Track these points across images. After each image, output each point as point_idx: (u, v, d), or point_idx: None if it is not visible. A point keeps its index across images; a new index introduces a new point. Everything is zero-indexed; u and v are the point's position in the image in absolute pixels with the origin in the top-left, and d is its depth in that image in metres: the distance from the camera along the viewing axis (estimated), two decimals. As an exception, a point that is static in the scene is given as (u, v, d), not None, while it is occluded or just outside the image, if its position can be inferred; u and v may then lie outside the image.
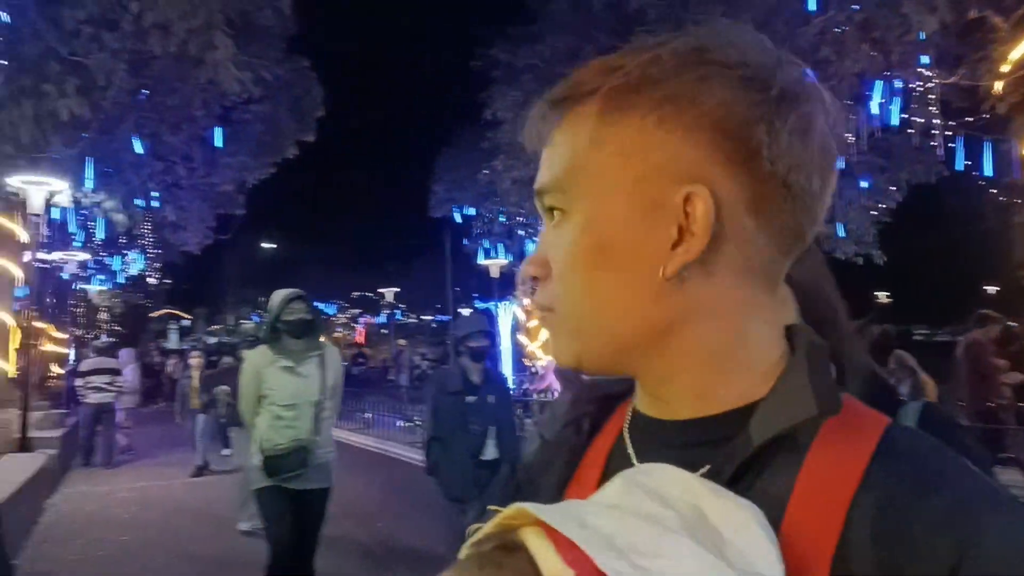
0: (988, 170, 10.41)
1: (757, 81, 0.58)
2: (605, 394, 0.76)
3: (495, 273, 19.46)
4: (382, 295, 36.13)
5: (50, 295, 18.36)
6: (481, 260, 20.08)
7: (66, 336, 22.48)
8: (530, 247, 18.25)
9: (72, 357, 20.36)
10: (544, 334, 21.07)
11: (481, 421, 4.88)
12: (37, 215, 10.58)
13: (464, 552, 0.56)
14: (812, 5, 9.96)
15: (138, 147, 11.02)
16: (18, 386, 11.81)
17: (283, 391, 4.61)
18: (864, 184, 13.88)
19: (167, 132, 11.48)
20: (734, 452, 0.59)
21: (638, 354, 0.62)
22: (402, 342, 37.39)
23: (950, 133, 10.75)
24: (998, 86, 8.69)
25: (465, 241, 21.71)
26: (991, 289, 27.49)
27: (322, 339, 4.96)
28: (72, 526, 8.53)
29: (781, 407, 0.58)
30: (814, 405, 0.57)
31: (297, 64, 13.69)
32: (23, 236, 11.82)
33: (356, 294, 48.81)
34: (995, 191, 12.04)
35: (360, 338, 53.31)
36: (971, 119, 10.17)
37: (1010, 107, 8.83)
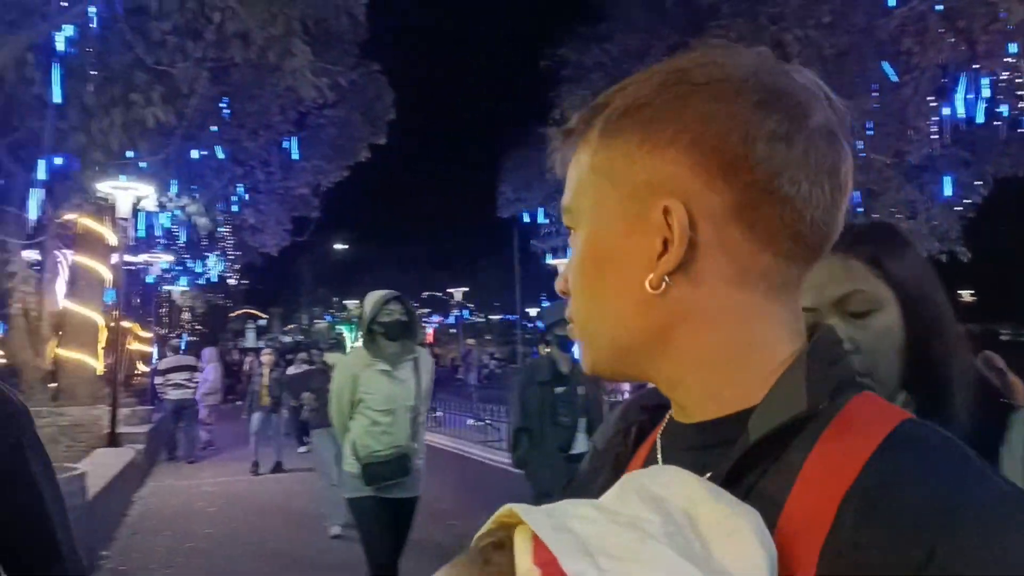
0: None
1: (731, 93, 0.60)
2: (657, 403, 0.77)
3: (563, 273, 19.43)
4: (451, 295, 36.46)
5: (136, 296, 19.13)
6: (549, 260, 20.08)
7: (151, 335, 23.39)
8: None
9: (155, 356, 21.18)
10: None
11: (571, 413, 4.69)
12: (125, 219, 11.03)
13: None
14: (892, -3, 9.64)
15: (219, 153, 11.40)
16: (106, 383, 12.35)
17: (380, 395, 4.47)
18: (948, 179, 13.37)
19: (246, 138, 11.84)
20: (731, 453, 0.61)
21: (642, 360, 0.66)
22: (471, 341, 37.71)
23: (1040, 125, 10.28)
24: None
25: (533, 241, 21.74)
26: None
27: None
28: (160, 519, 8.86)
29: (774, 406, 0.60)
30: (804, 402, 0.59)
31: (368, 68, 13.96)
32: (112, 239, 12.34)
33: (426, 294, 49.38)
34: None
35: (430, 338, 53.94)
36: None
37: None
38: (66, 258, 12.53)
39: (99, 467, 8.21)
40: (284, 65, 8.56)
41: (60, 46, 8.77)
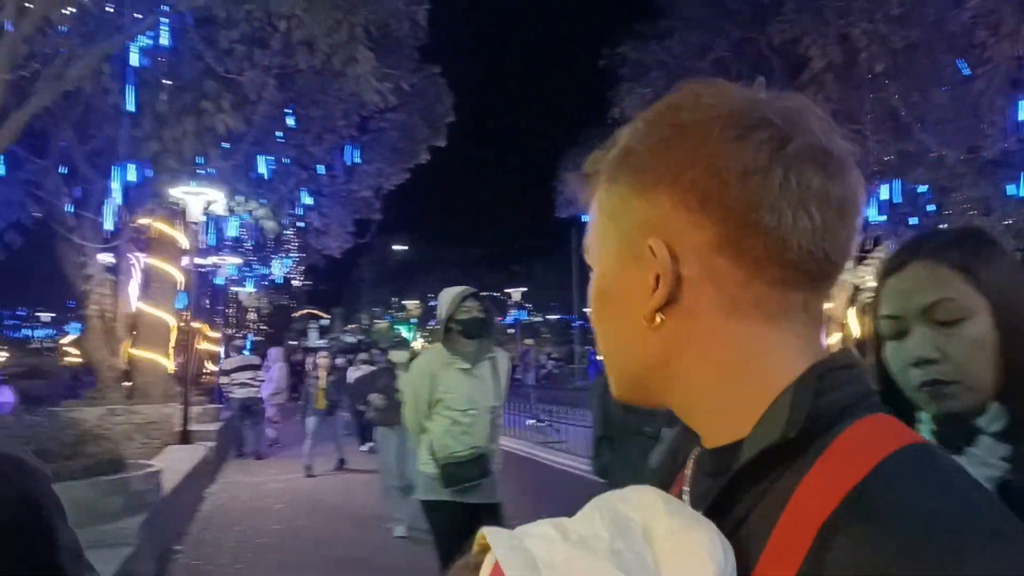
0: None
1: (705, 133, 0.63)
2: None
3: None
4: (509, 295, 36.56)
5: (205, 297, 19.70)
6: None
7: (219, 335, 24.06)
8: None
9: (222, 355, 21.79)
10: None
11: (654, 422, 4.37)
12: (196, 223, 11.38)
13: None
14: (966, -13, 9.34)
15: (285, 158, 11.67)
16: (178, 382, 12.75)
17: (461, 395, 4.30)
18: (1025, 175, 12.87)
19: (311, 143, 12.10)
20: (718, 483, 0.63)
21: (654, 389, 0.69)
22: (528, 341, 37.71)
23: None
24: None
25: (591, 241, 21.61)
26: None
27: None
28: (229, 515, 9.10)
29: (757, 435, 0.62)
30: (779, 431, 0.60)
31: (429, 71, 14.11)
32: (183, 243, 12.74)
33: (483, 294, 49.69)
34: None
35: (488, 337, 54.04)
36: None
37: None
38: (139, 261, 12.97)
39: (172, 464, 8.48)
40: (348, 71, 8.73)
41: (134, 57, 9.08)
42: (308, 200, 14.43)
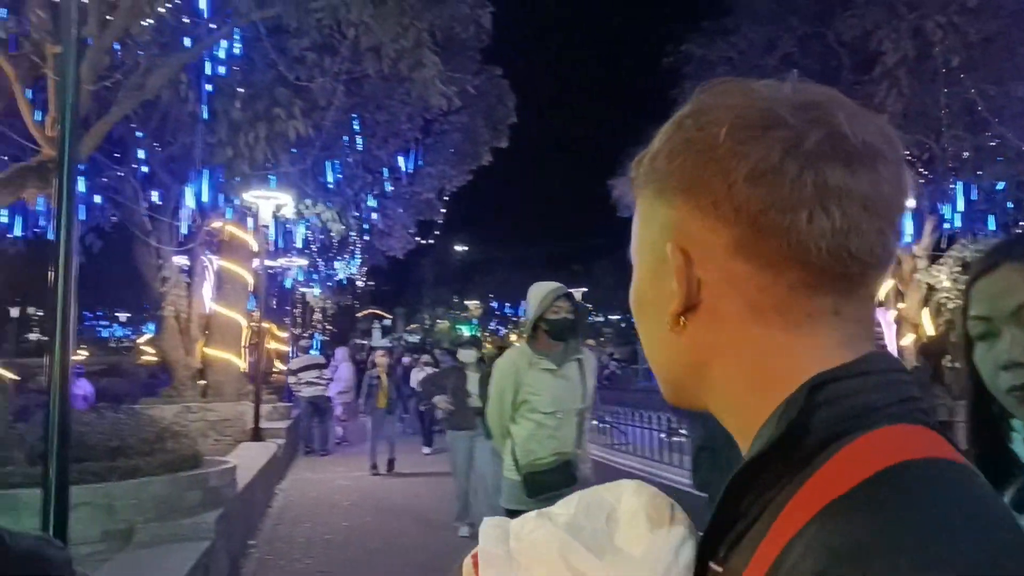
0: None
1: (715, 137, 0.62)
2: None
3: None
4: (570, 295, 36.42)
5: (273, 297, 20.18)
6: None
7: (287, 335, 24.61)
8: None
9: (291, 355, 22.29)
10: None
11: None
12: (266, 226, 11.69)
13: None
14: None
15: (352, 162, 11.91)
16: (249, 381, 13.10)
17: (546, 396, 4.09)
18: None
19: (376, 147, 12.31)
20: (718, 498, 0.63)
21: (692, 394, 0.68)
22: (590, 342, 37.52)
23: None
24: None
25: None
26: None
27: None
28: (299, 511, 9.32)
29: (752, 448, 0.61)
30: (758, 448, 0.59)
31: (491, 73, 14.20)
32: (254, 245, 13.09)
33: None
34: None
35: (548, 337, 53.95)
36: None
37: None
38: (213, 263, 13.38)
39: (245, 460, 8.71)
40: (414, 75, 8.85)
41: (209, 66, 9.37)
42: (373, 202, 14.67)
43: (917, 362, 11.56)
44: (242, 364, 13.78)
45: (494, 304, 57.82)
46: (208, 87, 9.78)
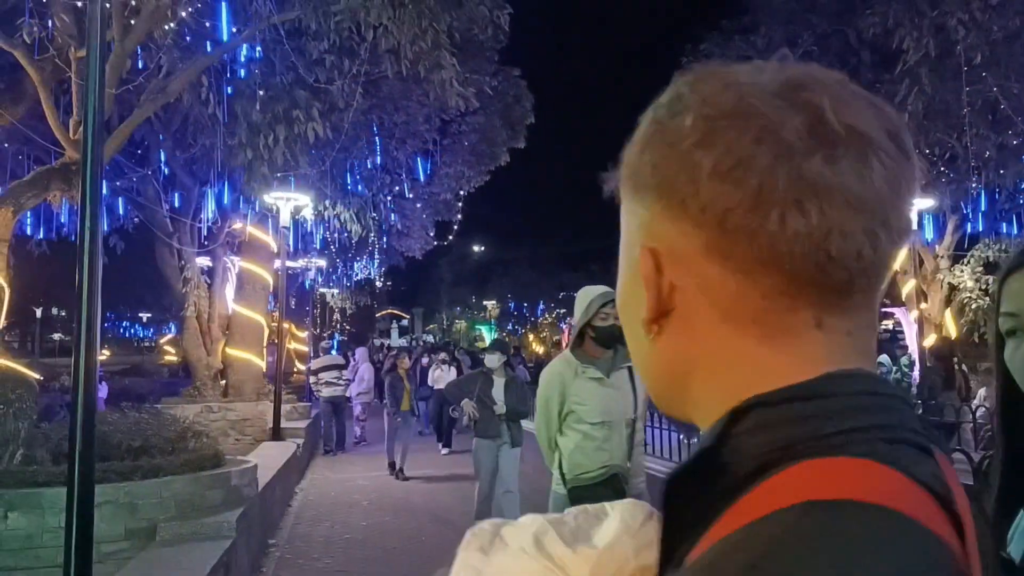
0: None
1: (679, 130, 0.56)
2: None
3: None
4: (588, 295, 36.35)
5: (293, 297, 20.33)
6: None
7: (306, 335, 24.78)
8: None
9: (311, 354, 22.44)
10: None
11: None
12: (286, 227, 11.78)
13: None
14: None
15: (370, 163, 11.98)
16: (269, 380, 13.22)
17: (594, 406, 3.90)
18: None
19: (395, 148, 12.38)
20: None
21: (676, 404, 0.63)
22: (608, 342, 37.31)
23: None
24: None
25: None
26: None
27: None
28: (319, 510, 9.37)
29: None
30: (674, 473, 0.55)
31: (509, 74, 14.22)
32: (274, 246, 13.19)
33: (562, 294, 49.64)
34: None
35: (566, 338, 54.01)
36: None
37: None
38: (234, 264, 13.50)
39: (266, 460, 8.77)
40: (433, 77, 8.89)
41: (230, 69, 9.46)
42: (391, 203, 14.74)
43: (929, 363, 11.48)
44: (262, 364, 13.89)
45: (512, 304, 57.86)
46: (228, 90, 9.87)
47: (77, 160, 6.43)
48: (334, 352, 17.99)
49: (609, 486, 3.83)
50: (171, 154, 12.41)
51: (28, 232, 12.62)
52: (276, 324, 13.25)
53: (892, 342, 16.01)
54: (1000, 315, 1.14)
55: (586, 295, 3.99)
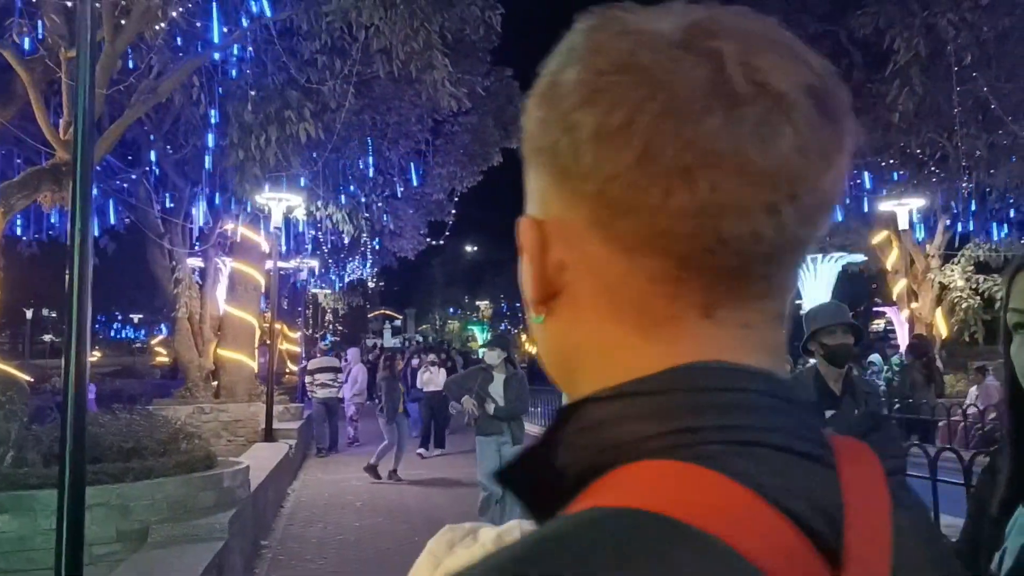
0: None
1: (562, 87, 0.49)
2: None
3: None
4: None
5: (285, 298, 20.30)
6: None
7: (298, 335, 24.72)
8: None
9: (303, 355, 22.40)
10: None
11: None
12: (278, 228, 11.75)
13: None
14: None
15: (362, 163, 11.97)
16: (261, 381, 13.18)
17: None
18: None
19: (387, 148, 12.38)
20: None
21: (569, 395, 0.54)
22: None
23: None
24: None
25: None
26: None
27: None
28: (311, 511, 9.36)
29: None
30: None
31: (501, 74, 14.23)
32: (265, 246, 13.17)
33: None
34: None
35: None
36: None
37: None
38: (225, 265, 13.46)
39: (258, 461, 8.74)
40: (425, 77, 8.90)
41: (221, 70, 9.43)
42: (383, 204, 14.73)
43: (906, 361, 11.58)
44: (254, 365, 13.86)
45: (504, 305, 57.88)
46: (220, 90, 9.85)
47: (68, 161, 6.41)
48: (331, 354, 17.95)
49: None
50: (162, 155, 12.37)
51: (19, 233, 12.56)
52: (268, 325, 13.22)
53: (884, 341, 16.10)
54: (1008, 311, 1.13)
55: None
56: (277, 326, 16.00)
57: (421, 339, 47.66)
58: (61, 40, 7.35)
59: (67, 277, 3.86)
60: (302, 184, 11.51)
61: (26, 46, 7.91)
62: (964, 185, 13.83)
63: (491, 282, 54.56)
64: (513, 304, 57.13)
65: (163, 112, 11.34)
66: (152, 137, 12.17)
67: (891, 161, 14.49)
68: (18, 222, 11.76)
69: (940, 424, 10.15)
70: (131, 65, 8.92)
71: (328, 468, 12.72)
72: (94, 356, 24.79)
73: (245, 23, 9.05)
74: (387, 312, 55.83)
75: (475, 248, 56.01)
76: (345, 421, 14.74)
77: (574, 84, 0.48)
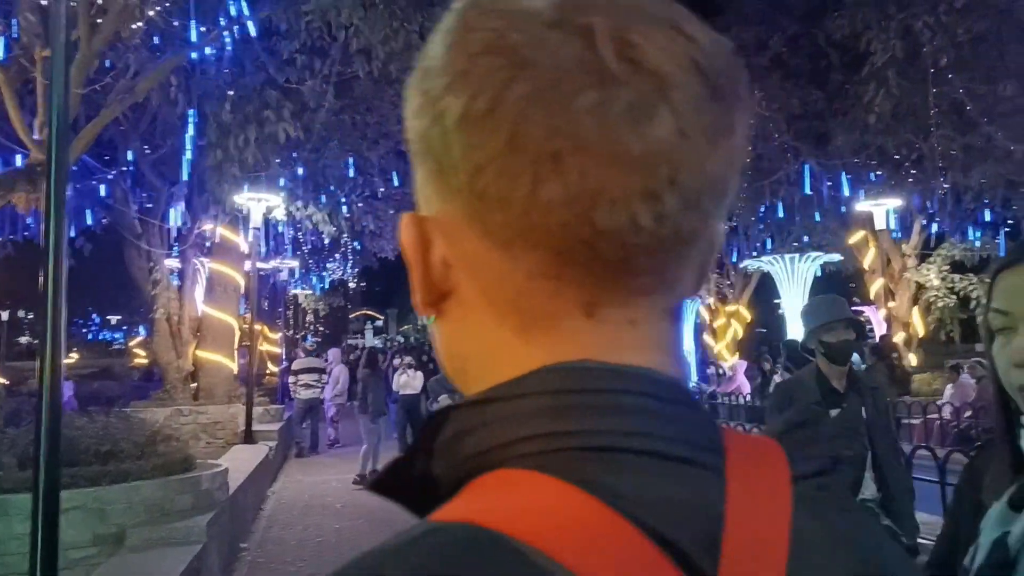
0: None
1: (428, 78, 0.46)
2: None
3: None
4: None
5: (265, 299, 20.18)
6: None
7: (279, 336, 24.61)
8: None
9: (284, 356, 22.29)
10: (730, 334, 20.14)
11: (851, 444, 3.56)
12: (257, 228, 11.69)
13: None
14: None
15: (342, 163, 11.93)
16: (241, 383, 13.09)
17: None
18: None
19: (367, 148, 12.34)
20: None
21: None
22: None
23: None
24: None
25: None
26: None
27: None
28: (291, 513, 9.30)
29: None
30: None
31: (480, 73, 14.23)
32: (245, 247, 13.08)
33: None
34: None
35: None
36: None
37: None
38: (204, 266, 13.36)
39: (238, 463, 8.68)
40: (405, 78, 8.86)
41: (199, 69, 9.36)
42: (364, 204, 14.68)
43: (870, 362, 11.71)
44: (234, 366, 13.77)
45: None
46: (198, 90, 9.78)
47: (42, 161, 6.34)
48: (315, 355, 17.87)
49: None
50: (139, 155, 12.26)
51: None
52: (248, 326, 13.13)
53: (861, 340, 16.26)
54: (990, 311, 1.14)
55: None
56: (257, 327, 15.91)
57: (403, 339, 47.55)
58: (36, 39, 7.26)
59: (41, 278, 3.81)
60: (281, 184, 11.46)
61: (1, 45, 7.81)
62: (940, 185, 14.00)
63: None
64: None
65: (140, 112, 11.24)
66: (129, 137, 12.07)
67: (868, 162, 14.65)
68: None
69: (916, 422, 10.29)
70: (108, 64, 8.84)
71: (308, 470, 12.65)
72: (71, 358, 24.54)
73: (223, 22, 8.99)
74: (369, 312, 55.69)
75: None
76: (326, 422, 14.66)
77: (442, 68, 0.45)
